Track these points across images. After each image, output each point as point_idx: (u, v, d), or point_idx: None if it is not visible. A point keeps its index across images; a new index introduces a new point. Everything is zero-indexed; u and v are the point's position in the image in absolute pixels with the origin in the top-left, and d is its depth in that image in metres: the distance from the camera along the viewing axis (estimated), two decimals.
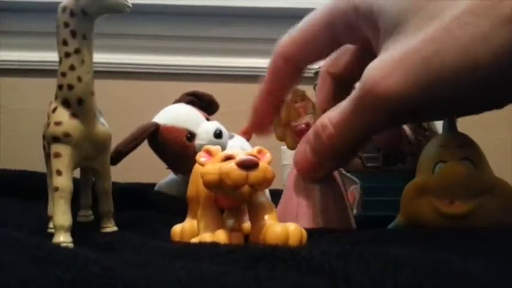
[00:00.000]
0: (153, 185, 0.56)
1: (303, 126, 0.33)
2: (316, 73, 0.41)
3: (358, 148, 0.31)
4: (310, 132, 0.31)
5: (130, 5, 0.29)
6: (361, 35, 0.29)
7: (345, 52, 0.35)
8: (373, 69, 0.26)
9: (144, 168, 0.63)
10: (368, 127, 0.28)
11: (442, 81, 0.23)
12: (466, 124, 0.33)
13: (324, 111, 0.30)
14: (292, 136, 0.34)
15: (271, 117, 0.35)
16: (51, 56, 0.60)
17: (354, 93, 0.27)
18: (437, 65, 0.23)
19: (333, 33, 0.31)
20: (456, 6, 0.23)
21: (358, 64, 0.30)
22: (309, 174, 0.32)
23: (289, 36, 0.33)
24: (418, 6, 0.25)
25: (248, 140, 0.58)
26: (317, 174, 0.31)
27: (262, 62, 0.90)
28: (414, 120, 0.27)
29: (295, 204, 0.32)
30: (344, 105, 0.28)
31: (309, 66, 0.34)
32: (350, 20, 0.29)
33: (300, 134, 0.33)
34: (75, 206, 0.30)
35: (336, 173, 0.34)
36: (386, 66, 0.25)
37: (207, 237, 0.25)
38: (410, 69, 0.24)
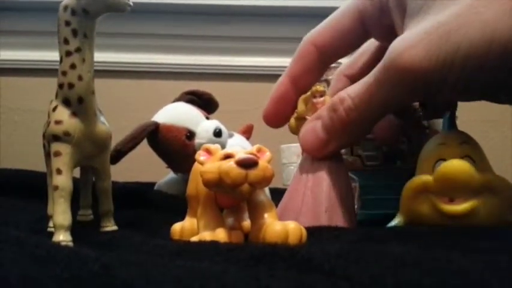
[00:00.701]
0: (153, 184, 0.56)
1: None
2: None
3: (373, 125, 0.32)
4: (323, 109, 0.31)
5: (131, 4, 0.29)
6: (388, 19, 0.30)
7: (361, 55, 0.36)
8: (398, 42, 0.26)
9: (144, 167, 0.63)
10: (388, 100, 0.28)
11: (462, 53, 0.24)
12: (466, 122, 0.33)
13: None
14: None
15: (287, 106, 0.35)
16: (51, 55, 0.60)
17: (376, 68, 0.28)
18: (459, 37, 0.24)
19: (363, 19, 0.32)
20: None
21: (374, 66, 0.31)
22: (315, 152, 0.32)
23: (320, 25, 0.34)
24: None
25: (248, 138, 0.58)
26: (324, 152, 0.32)
27: (262, 61, 0.91)
28: (433, 96, 0.27)
29: (300, 197, 0.32)
30: (365, 79, 0.29)
31: (336, 61, 0.35)
32: (380, 1, 0.30)
33: None
34: (75, 205, 0.30)
35: (347, 171, 0.34)
36: (411, 38, 0.26)
37: (206, 235, 0.25)
38: (434, 41, 0.25)
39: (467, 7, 0.24)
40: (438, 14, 0.25)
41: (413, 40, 0.26)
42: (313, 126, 0.32)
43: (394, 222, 0.31)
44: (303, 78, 0.34)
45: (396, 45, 0.26)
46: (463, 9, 0.24)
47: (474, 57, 0.24)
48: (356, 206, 0.38)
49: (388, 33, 0.30)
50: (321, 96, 0.33)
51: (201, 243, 0.23)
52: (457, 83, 0.26)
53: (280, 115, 0.35)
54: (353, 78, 0.34)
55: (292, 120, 0.34)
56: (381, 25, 0.31)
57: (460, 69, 0.25)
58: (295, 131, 0.35)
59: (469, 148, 0.30)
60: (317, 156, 0.32)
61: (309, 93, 0.33)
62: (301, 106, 0.34)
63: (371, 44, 0.36)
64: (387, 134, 0.38)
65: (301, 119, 0.34)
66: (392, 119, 0.38)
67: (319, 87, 0.33)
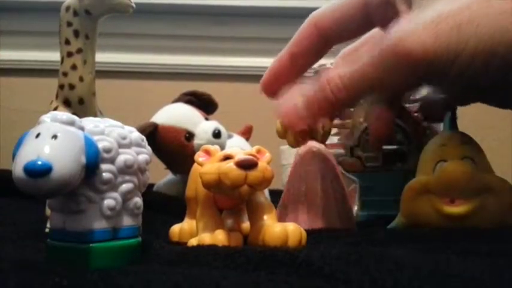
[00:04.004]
0: (152, 185, 0.56)
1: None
2: (316, 72, 0.40)
3: (354, 104, 0.30)
4: (309, 85, 0.30)
5: (134, 6, 0.29)
6: (393, 10, 0.29)
7: (363, 43, 0.35)
8: (402, 25, 0.25)
9: None
10: (381, 84, 0.27)
11: (470, 47, 0.23)
12: (466, 123, 0.33)
13: None
14: (294, 134, 0.34)
15: (284, 80, 0.34)
16: (51, 56, 0.60)
17: (373, 48, 0.27)
18: (470, 31, 0.23)
19: (367, 8, 0.31)
20: None
21: None
22: (291, 126, 0.31)
23: (325, 7, 0.33)
24: None
25: (247, 139, 0.57)
26: (299, 126, 0.31)
27: (261, 61, 0.91)
28: (431, 86, 0.26)
29: (295, 203, 0.32)
30: (359, 59, 0.28)
31: (337, 45, 0.34)
32: None
33: (301, 132, 0.33)
34: None
35: (339, 172, 0.33)
36: (418, 23, 0.25)
37: (205, 237, 0.24)
38: (443, 30, 0.24)
39: (480, 0, 0.24)
40: (448, 4, 0.25)
41: (421, 25, 0.24)
42: (295, 101, 0.31)
43: (395, 223, 0.31)
44: (302, 58, 0.34)
45: (400, 28, 0.25)
46: (475, 1, 0.24)
47: (482, 53, 0.23)
48: (356, 207, 0.38)
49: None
50: None
51: (200, 248, 0.23)
52: (460, 78, 0.25)
53: (275, 87, 0.35)
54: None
55: (279, 125, 0.34)
56: (386, 16, 0.31)
57: (466, 63, 0.24)
58: (283, 134, 0.34)
59: (470, 149, 0.30)
60: (292, 129, 0.32)
61: None
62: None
63: (375, 33, 0.35)
64: (381, 132, 0.37)
65: None
66: (385, 116, 0.37)
67: None
